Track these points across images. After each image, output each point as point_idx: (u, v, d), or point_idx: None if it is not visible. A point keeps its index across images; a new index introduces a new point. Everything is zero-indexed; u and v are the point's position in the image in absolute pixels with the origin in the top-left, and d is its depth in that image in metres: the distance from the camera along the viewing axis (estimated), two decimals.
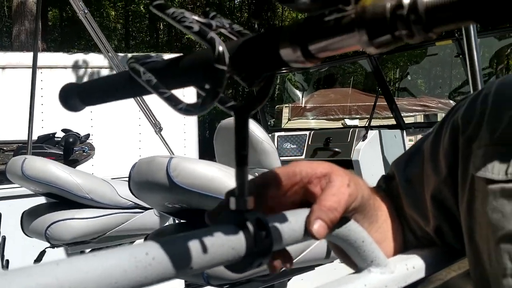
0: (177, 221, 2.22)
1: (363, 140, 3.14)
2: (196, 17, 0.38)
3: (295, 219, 0.45)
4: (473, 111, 0.64)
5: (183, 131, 6.28)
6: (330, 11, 0.30)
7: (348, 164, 3.07)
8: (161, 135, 3.04)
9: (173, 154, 3.07)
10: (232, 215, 0.40)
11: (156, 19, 18.40)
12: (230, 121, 2.29)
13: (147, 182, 1.27)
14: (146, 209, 2.10)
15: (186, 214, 1.42)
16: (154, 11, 0.39)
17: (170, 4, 0.39)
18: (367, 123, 3.33)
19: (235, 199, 0.41)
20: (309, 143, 3.38)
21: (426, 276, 0.61)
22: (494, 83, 0.67)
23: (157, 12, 0.38)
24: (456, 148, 0.63)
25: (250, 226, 0.40)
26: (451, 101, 8.64)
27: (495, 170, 0.56)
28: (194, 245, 0.36)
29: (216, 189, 1.18)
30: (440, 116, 8.81)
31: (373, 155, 3.16)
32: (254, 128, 2.22)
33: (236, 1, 20.79)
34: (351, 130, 3.26)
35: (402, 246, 0.67)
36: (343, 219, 0.51)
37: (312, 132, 3.46)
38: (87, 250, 2.13)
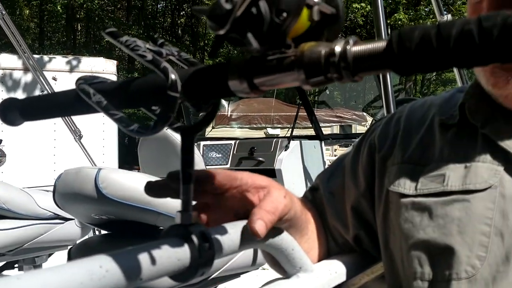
0: (97, 232, 2.16)
1: (285, 150, 3.27)
2: (147, 45, 0.41)
3: (234, 231, 0.49)
4: (388, 132, 0.73)
5: (102, 138, 6.05)
6: (274, 52, 0.34)
7: (271, 173, 3.17)
8: (81, 142, 2.93)
9: (93, 163, 2.97)
10: (178, 228, 0.43)
11: (74, 20, 17.60)
12: None
13: (73, 193, 1.24)
14: (66, 219, 2.03)
15: (112, 225, 1.41)
16: (107, 38, 0.41)
17: (121, 32, 0.41)
18: (290, 134, 3.47)
19: (181, 214, 0.44)
20: (234, 152, 3.45)
21: (347, 280, 0.68)
22: (406, 107, 0.77)
23: (110, 39, 0.41)
24: (373, 165, 0.72)
25: (195, 239, 0.43)
26: (364, 114, 9.20)
27: (407, 185, 0.65)
28: (143, 258, 0.39)
29: (145, 200, 1.18)
30: (355, 128, 9.34)
31: (294, 165, 3.30)
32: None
33: (159, 6, 20.48)
34: (274, 140, 3.38)
35: (326, 253, 0.74)
36: (276, 230, 0.56)
37: (237, 142, 3.53)
38: (1, 263, 2.00)
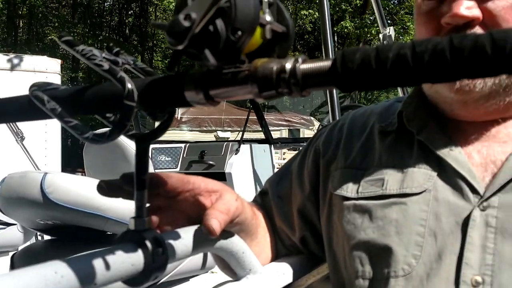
0: (40, 238, 2.08)
1: (235, 154, 3.29)
2: (104, 54, 0.42)
3: (187, 236, 0.51)
4: (332, 138, 0.77)
5: (44, 140, 5.80)
6: (229, 66, 0.36)
7: (222, 177, 3.18)
8: (23, 144, 2.81)
9: (36, 165, 2.86)
10: (132, 234, 0.44)
11: (16, 16, 16.78)
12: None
13: (18, 198, 1.20)
14: (8, 224, 1.94)
15: (58, 230, 1.37)
16: (63, 47, 0.41)
17: (79, 41, 0.42)
18: (240, 138, 3.50)
19: (134, 220, 0.45)
20: (184, 155, 3.42)
21: (294, 281, 0.71)
22: (349, 115, 0.81)
23: (66, 47, 0.41)
24: (318, 170, 0.76)
25: (149, 244, 0.44)
26: (312, 118, 9.41)
27: (349, 189, 0.69)
28: (98, 263, 0.40)
29: (93, 206, 1.16)
30: (303, 132, 9.54)
31: (244, 168, 3.33)
32: (129, 141, 2.19)
33: (106, 4, 19.93)
34: (224, 144, 3.40)
35: (274, 255, 0.77)
36: (227, 233, 0.58)
37: (187, 145, 3.51)
38: None
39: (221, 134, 8.62)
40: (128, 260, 0.42)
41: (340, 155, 0.74)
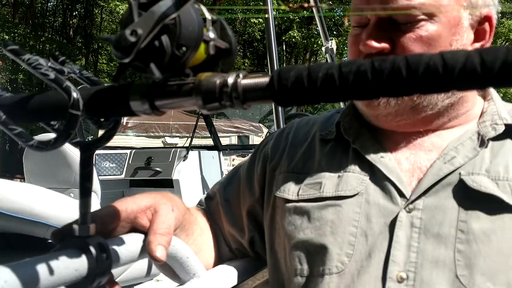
0: None
1: (183, 160, 3.27)
2: (50, 63, 0.43)
3: (131, 241, 0.52)
4: (279, 145, 0.82)
5: None
6: (174, 79, 0.38)
7: (169, 183, 3.16)
8: None
9: None
10: (76, 240, 0.45)
11: None
12: (43, 137, 2.16)
13: None
14: None
15: None
16: (9, 56, 0.42)
17: (24, 50, 0.42)
18: (188, 144, 3.49)
19: (79, 226, 0.45)
20: (130, 162, 3.36)
21: (238, 283, 0.74)
22: (294, 124, 0.86)
23: (12, 56, 0.42)
24: (265, 174, 0.79)
25: (93, 250, 0.45)
26: (261, 125, 9.52)
27: (290, 192, 0.73)
28: (42, 268, 0.40)
29: (34, 213, 1.13)
30: (252, 138, 9.61)
31: (192, 175, 3.32)
32: (72, 147, 2.14)
33: (49, 4, 19.20)
34: (172, 150, 3.37)
35: (217, 257, 0.79)
36: (172, 240, 0.59)
37: (133, 151, 3.46)
38: None
39: (169, 140, 8.51)
40: (72, 266, 0.43)
41: (284, 161, 0.78)
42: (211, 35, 0.39)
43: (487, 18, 0.72)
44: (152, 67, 0.35)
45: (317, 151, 0.77)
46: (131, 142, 7.45)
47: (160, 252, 0.53)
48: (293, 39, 13.33)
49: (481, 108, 0.73)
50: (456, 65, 0.30)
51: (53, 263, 0.41)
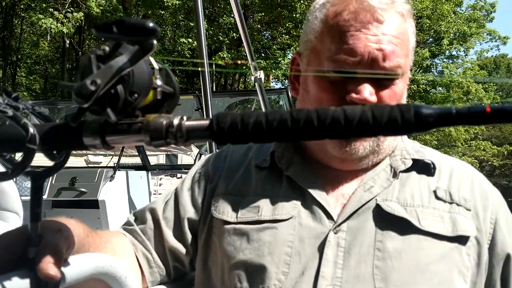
0: None
1: (110, 181, 3.22)
2: (6, 101, 0.47)
3: (76, 263, 0.56)
4: (218, 166, 0.89)
5: None
6: (125, 119, 0.44)
7: (94, 204, 3.08)
8: None
9: None
10: (29, 262, 0.48)
11: None
12: None
13: None
14: None
15: None
16: None
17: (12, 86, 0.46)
18: (116, 164, 3.43)
19: (31, 249, 0.49)
20: (53, 182, 3.24)
21: None
22: (230, 148, 0.94)
23: None
24: (205, 193, 0.86)
25: None
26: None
27: (229, 214, 0.80)
28: None
29: None
30: (181, 157, 9.56)
31: (119, 195, 3.26)
32: None
33: None
34: (99, 171, 3.30)
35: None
36: (111, 259, 0.64)
37: None
38: None
39: (92, 159, 8.20)
40: (22, 285, 0.46)
41: (222, 182, 0.86)
42: (159, 82, 0.45)
43: None
44: (109, 111, 0.41)
45: (253, 176, 0.85)
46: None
47: (53, 274, 0.48)
48: (223, 60, 13.54)
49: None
50: (383, 117, 0.39)
51: (8, 283, 0.45)
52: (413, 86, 18.81)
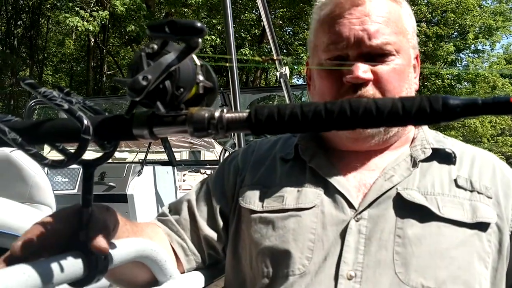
0: None
1: (138, 176, 3.30)
2: (61, 95, 0.51)
3: (123, 246, 0.60)
4: (246, 160, 0.93)
5: None
6: (171, 111, 0.48)
7: (123, 198, 3.16)
8: None
9: None
10: (80, 244, 0.53)
11: None
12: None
13: None
14: None
15: None
16: (26, 88, 0.50)
17: (39, 84, 0.50)
18: (143, 159, 3.52)
19: (82, 232, 0.54)
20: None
21: (205, 285, 0.83)
22: (257, 143, 0.98)
23: (29, 89, 0.50)
24: (236, 184, 0.90)
25: (94, 252, 0.53)
26: (213, 141, 9.61)
27: (256, 203, 0.84)
28: (55, 266, 0.48)
29: (1, 223, 1.16)
30: (203, 154, 9.66)
31: (146, 190, 3.34)
32: (27, 161, 2.13)
33: None
34: (127, 166, 3.39)
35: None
36: (152, 244, 0.68)
37: None
38: None
39: (118, 155, 8.38)
40: (77, 265, 0.51)
41: (249, 174, 0.90)
42: (201, 77, 0.49)
43: (417, 56, 0.90)
44: (158, 104, 0.44)
45: (278, 168, 0.89)
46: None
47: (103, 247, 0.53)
48: (245, 57, 13.60)
49: (413, 134, 0.89)
50: (413, 108, 0.42)
51: (63, 263, 0.49)
52: (438, 81, 18.51)
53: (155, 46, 0.45)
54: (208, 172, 5.13)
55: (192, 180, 7.44)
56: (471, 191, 0.80)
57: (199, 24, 0.39)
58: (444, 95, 0.41)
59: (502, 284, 0.78)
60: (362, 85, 0.80)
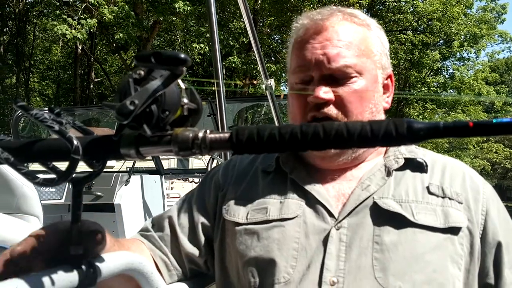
0: None
1: (125, 185, 3.30)
2: (52, 116, 0.54)
3: (110, 260, 0.63)
4: (227, 174, 0.96)
5: None
6: (156, 132, 0.51)
7: (110, 208, 3.16)
8: None
9: None
10: (70, 258, 0.55)
11: None
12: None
13: None
14: None
15: None
16: (18, 110, 0.52)
17: (31, 106, 0.53)
18: (130, 169, 3.52)
19: (72, 247, 0.56)
20: (70, 186, 3.33)
21: None
22: (238, 157, 1.01)
23: (21, 111, 0.52)
24: (217, 200, 0.93)
25: (83, 266, 0.56)
26: None
27: (240, 216, 0.87)
28: (46, 280, 0.51)
29: None
30: (192, 161, 9.66)
31: (134, 199, 3.35)
32: (14, 172, 2.13)
33: None
34: (114, 175, 3.39)
35: None
36: (134, 256, 0.70)
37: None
38: None
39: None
40: (67, 278, 0.53)
41: (231, 188, 0.93)
42: (185, 100, 0.52)
43: (390, 76, 0.94)
44: (145, 127, 0.47)
45: (260, 181, 0.92)
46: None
47: None
48: (233, 64, 13.65)
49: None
50: (380, 131, 0.45)
51: (54, 276, 0.52)
52: (424, 89, 18.74)
53: (142, 72, 0.48)
54: (196, 180, 5.14)
55: (180, 188, 7.44)
56: (443, 197, 0.84)
57: (182, 55, 0.42)
58: (408, 119, 0.44)
59: (475, 284, 0.82)
60: (324, 104, 0.85)
